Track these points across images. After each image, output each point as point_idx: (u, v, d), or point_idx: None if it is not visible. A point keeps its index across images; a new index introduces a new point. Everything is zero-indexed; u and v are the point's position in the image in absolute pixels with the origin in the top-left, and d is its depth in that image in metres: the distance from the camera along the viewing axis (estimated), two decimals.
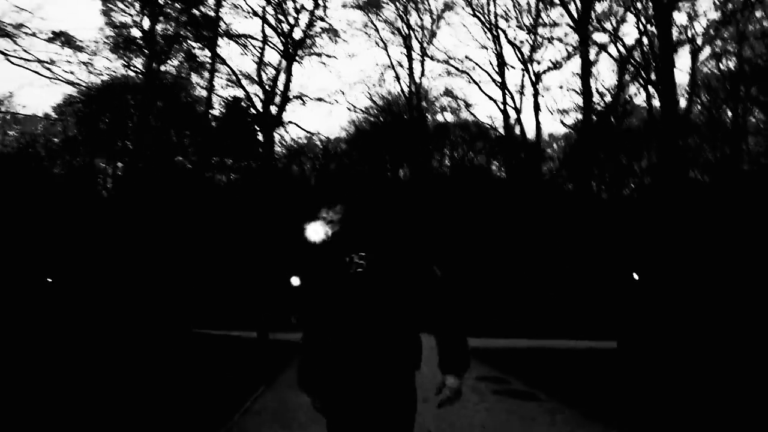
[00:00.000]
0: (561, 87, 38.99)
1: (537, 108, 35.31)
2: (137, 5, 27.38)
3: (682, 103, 35.38)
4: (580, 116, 32.93)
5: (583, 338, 17.90)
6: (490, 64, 37.10)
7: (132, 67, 28.56)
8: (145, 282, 25.15)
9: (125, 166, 34.73)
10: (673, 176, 21.31)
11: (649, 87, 28.73)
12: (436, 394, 2.57)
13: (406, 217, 34.28)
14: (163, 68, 28.49)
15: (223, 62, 30.31)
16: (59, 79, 22.15)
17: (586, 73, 28.52)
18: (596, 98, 33.09)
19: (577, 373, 9.89)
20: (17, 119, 38.65)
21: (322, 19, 31.97)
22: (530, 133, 37.40)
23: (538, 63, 35.96)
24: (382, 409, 2.51)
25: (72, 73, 24.25)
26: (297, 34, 32.04)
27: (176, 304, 24.28)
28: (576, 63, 30.53)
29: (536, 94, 35.31)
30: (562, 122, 43.70)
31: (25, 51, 17.84)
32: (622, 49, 29.92)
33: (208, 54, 30.21)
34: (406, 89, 37.34)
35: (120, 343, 12.59)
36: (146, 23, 27.61)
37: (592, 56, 29.25)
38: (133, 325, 18.26)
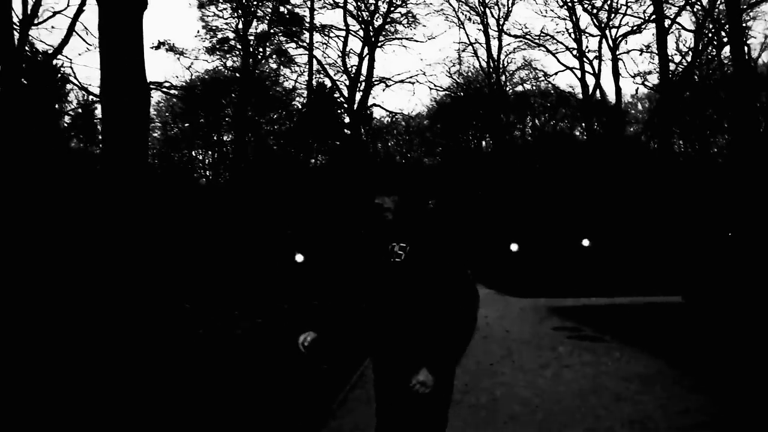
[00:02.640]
0: (641, 51, 39.54)
1: (616, 73, 36.45)
2: (229, 10, 30.51)
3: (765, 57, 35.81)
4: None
5: (660, 294, 19.52)
6: (567, 32, 38.22)
7: (227, 67, 31.83)
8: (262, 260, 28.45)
9: (223, 155, 38.41)
10: (748, 131, 22.69)
11: (723, 48, 29.64)
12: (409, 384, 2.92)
13: (455, 209, 36.27)
14: (256, 65, 31.63)
15: (311, 54, 33.14)
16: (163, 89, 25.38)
17: (662, 38, 29.63)
18: (678, 58, 34.06)
19: (641, 322, 12.05)
20: None
21: (400, 5, 34.18)
22: (611, 97, 38.63)
23: (617, 28, 36.86)
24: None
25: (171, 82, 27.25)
26: (377, 21, 34.45)
27: (298, 280, 27.34)
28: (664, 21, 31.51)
29: (615, 59, 36.42)
30: (643, 84, 44.23)
31: None
32: (698, 10, 30.79)
33: (294, 45, 33.26)
34: (484, 65, 39.12)
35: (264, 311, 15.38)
36: (240, 25, 30.74)
37: (667, 22, 30.30)
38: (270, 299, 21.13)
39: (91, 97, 34.97)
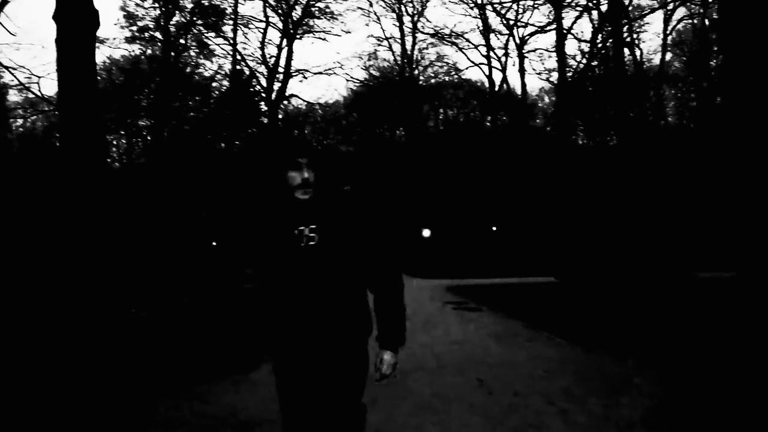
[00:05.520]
0: (546, 50, 43.30)
1: (522, 69, 39.92)
2: (151, 0, 31.94)
3: (657, 59, 40.31)
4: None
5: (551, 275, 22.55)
6: (478, 30, 41.27)
7: (147, 56, 33.24)
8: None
9: (139, 141, 39.71)
10: (626, 125, 26.52)
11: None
12: (375, 370, 2.88)
13: (372, 193, 38.85)
14: (177, 56, 33.22)
15: (231, 44, 34.93)
16: None
17: (560, 41, 33.18)
18: (579, 57, 37.75)
19: (517, 297, 14.95)
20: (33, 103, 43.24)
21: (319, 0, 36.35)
22: (517, 92, 42.15)
23: (524, 27, 40.10)
24: (332, 367, 2.81)
25: None
26: (296, 14, 36.50)
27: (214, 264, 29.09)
28: (566, 24, 35.21)
29: (521, 56, 39.80)
30: (548, 80, 47.96)
31: None
32: (595, 17, 34.49)
33: (213, 34, 34.91)
34: (399, 59, 41.76)
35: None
36: (161, 15, 32.21)
37: (567, 23, 33.87)
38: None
39: (2, 80, 35.44)
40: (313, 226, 2.78)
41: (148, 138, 38.50)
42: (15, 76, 22.78)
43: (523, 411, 5.39)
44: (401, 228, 37.76)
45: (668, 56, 41.02)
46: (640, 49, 37.76)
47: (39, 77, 33.09)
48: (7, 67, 23.72)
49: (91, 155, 12.15)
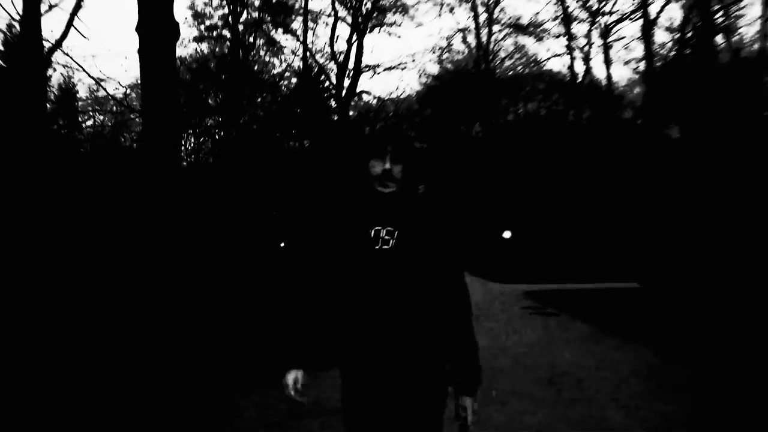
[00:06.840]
0: (631, 41, 43.46)
1: (608, 60, 40.07)
2: None
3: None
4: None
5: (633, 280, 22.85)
6: (559, 18, 41.57)
7: (216, 55, 35.04)
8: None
9: (212, 141, 41.67)
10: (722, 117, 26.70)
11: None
12: (456, 420, 2.72)
13: (448, 195, 39.12)
14: (246, 54, 34.92)
15: (300, 41, 36.44)
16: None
17: (647, 29, 33.28)
18: (670, 45, 37.65)
19: (597, 303, 15.57)
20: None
21: None
22: (603, 82, 42.19)
23: (609, 14, 40.22)
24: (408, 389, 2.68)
25: None
26: (366, 7, 37.73)
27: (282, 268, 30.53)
28: (652, 10, 35.31)
29: (606, 46, 39.91)
30: (635, 71, 47.78)
31: None
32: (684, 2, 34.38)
33: (281, 31, 36.48)
34: (474, 52, 42.45)
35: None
36: (229, 14, 33.98)
37: (654, 11, 33.93)
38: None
39: (72, 80, 37.83)
40: (390, 228, 2.69)
41: (216, 137, 40.36)
42: (102, 87, 24.43)
43: (587, 405, 6.22)
44: (477, 233, 38.29)
45: None
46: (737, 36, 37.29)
47: (126, 87, 35.30)
48: (97, 80, 25.46)
49: (171, 160, 13.51)
